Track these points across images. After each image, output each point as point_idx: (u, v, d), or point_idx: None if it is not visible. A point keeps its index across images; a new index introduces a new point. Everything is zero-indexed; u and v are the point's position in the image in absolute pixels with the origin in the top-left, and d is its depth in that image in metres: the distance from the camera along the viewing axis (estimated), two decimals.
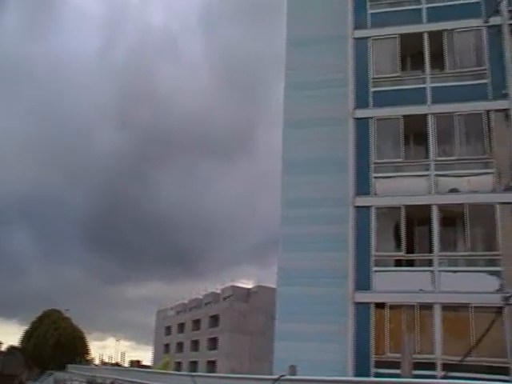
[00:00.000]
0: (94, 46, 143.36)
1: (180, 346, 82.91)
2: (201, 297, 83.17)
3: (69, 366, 49.35)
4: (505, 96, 20.59)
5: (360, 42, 22.77)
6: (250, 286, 77.40)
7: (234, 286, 76.73)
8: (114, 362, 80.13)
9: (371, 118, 21.58)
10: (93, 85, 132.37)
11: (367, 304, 19.63)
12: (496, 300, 18.56)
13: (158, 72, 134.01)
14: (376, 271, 20.00)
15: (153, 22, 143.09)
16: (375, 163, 21.07)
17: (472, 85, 21.15)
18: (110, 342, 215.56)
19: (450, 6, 22.21)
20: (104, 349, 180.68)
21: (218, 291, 79.52)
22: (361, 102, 21.99)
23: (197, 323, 79.65)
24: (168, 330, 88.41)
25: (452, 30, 21.68)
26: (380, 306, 19.52)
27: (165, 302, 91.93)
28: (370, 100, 21.97)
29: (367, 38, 22.75)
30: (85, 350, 68.10)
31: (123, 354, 78.57)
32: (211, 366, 70.55)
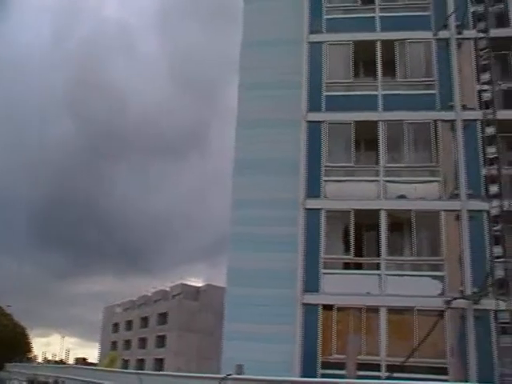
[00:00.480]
0: (47, 36, 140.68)
1: (127, 343, 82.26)
2: (150, 294, 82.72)
3: (7, 364, 48.12)
4: (451, 107, 21.29)
5: (315, 47, 23.06)
6: (199, 285, 77.47)
7: (183, 284, 76.57)
8: (58, 359, 78.95)
9: (323, 121, 21.84)
10: (45, 75, 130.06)
11: (315, 306, 19.88)
12: (438, 304, 19.16)
13: (113, 66, 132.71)
14: (325, 273, 20.27)
15: (109, 16, 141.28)
16: (326, 166, 21.35)
17: (421, 94, 21.75)
18: (56, 338, 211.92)
19: (403, 16, 22.81)
20: (48, 346, 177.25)
21: (168, 289, 79.23)
22: (314, 105, 22.23)
23: (145, 320, 79.15)
24: (115, 327, 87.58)
25: (404, 40, 22.22)
26: (328, 307, 19.79)
27: (114, 298, 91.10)
28: (323, 104, 22.24)
29: (322, 42, 23.05)
30: (27, 347, 66.74)
31: (68, 352, 77.33)
32: (159, 363, 70.23)
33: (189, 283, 77.56)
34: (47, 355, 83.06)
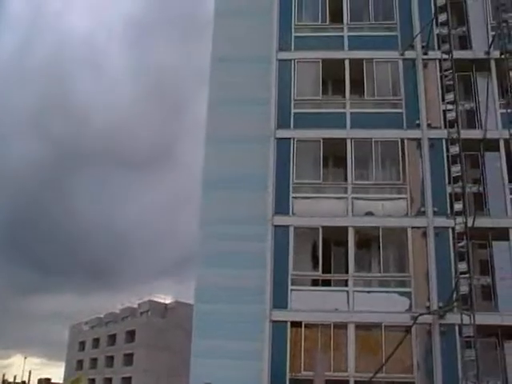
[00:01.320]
0: (10, 50, 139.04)
1: (94, 361, 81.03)
2: (117, 311, 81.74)
3: None
4: (417, 126, 21.70)
5: (283, 64, 23.21)
6: (167, 301, 76.83)
7: (151, 301, 75.88)
8: (20, 381, 77.09)
9: (292, 138, 21.97)
10: (7, 92, 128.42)
11: (284, 322, 19.86)
12: (406, 319, 19.38)
13: (79, 81, 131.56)
14: (293, 290, 20.28)
15: (75, 30, 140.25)
16: (295, 183, 21.45)
17: (388, 113, 22.13)
18: (17, 359, 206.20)
19: (371, 36, 23.21)
20: (9, 367, 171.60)
21: (135, 306, 78.40)
22: (282, 122, 22.35)
23: (112, 338, 78.15)
24: (82, 345, 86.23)
25: (371, 59, 22.56)
26: (296, 324, 19.80)
27: (80, 316, 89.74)
28: (292, 121, 22.37)
29: (291, 60, 23.21)
30: None
31: (30, 373, 75.44)
32: (126, 382, 69.36)
33: (157, 300, 76.91)
34: (7, 377, 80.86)
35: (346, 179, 21.39)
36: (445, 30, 21.90)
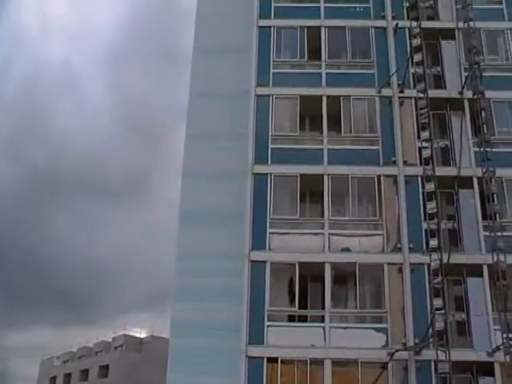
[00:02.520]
0: None
1: None
2: (91, 345, 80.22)
3: None
4: (394, 163, 22.01)
5: (261, 100, 23.45)
6: (142, 336, 75.61)
7: (126, 335, 74.65)
8: None
9: (269, 174, 22.10)
10: None
11: (260, 358, 19.69)
12: (382, 356, 19.34)
13: (56, 108, 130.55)
14: (269, 326, 20.17)
15: (53, 57, 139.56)
16: (271, 219, 21.49)
17: (365, 150, 22.43)
18: None
19: (348, 74, 23.67)
20: None
21: (110, 340, 77.07)
22: (260, 157, 22.48)
23: (85, 373, 76.49)
24: (53, 380, 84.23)
25: (348, 96, 22.93)
26: (272, 360, 19.65)
27: (52, 349, 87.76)
28: (269, 156, 22.52)
29: (269, 95, 23.46)
30: None
31: None
32: None
33: (132, 334, 75.66)
34: None
35: (322, 215, 21.51)
36: (420, 70, 22.37)
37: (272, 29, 24.66)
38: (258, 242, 21.18)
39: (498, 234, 20.04)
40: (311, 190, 22.14)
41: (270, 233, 21.34)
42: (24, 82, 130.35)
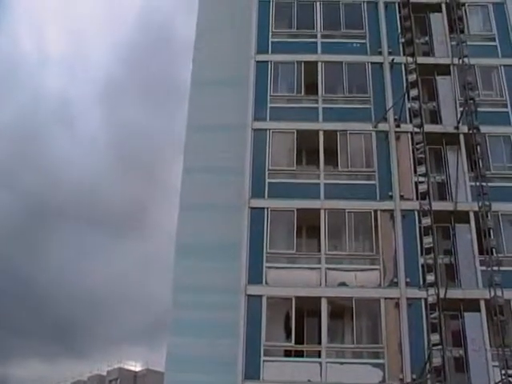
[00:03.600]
0: None
1: None
2: (85, 379, 79.20)
3: None
4: (390, 197, 22.07)
5: (258, 134, 23.55)
6: (137, 369, 74.77)
7: (120, 368, 73.76)
8: None
9: (266, 208, 22.09)
10: None
11: None
12: None
13: (51, 138, 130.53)
14: (265, 361, 19.98)
15: (49, 86, 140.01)
16: (268, 253, 21.42)
17: (362, 184, 22.49)
18: None
19: (345, 108, 23.84)
20: None
21: (104, 373, 76.14)
22: (256, 191, 22.48)
23: None
24: None
25: (345, 131, 23.09)
26: None
27: (45, 383, 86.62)
28: (266, 190, 22.52)
29: (266, 129, 23.57)
30: None
31: None
32: None
33: (127, 367, 74.84)
34: None
35: (319, 249, 21.46)
36: (416, 105, 22.56)
37: (269, 63, 24.93)
38: (255, 276, 21.09)
39: (495, 268, 19.99)
40: (308, 225, 22.12)
41: (267, 267, 21.25)
42: (19, 111, 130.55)
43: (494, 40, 25.34)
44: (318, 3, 26.06)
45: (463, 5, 25.41)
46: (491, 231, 20.75)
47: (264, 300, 20.67)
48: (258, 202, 22.25)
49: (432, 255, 20.36)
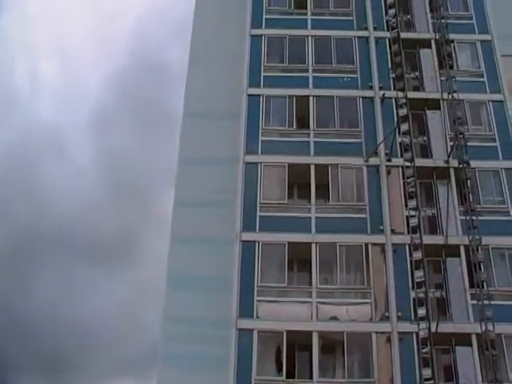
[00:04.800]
0: None
1: None
2: None
3: None
4: (381, 231, 22.13)
5: (250, 167, 23.61)
6: None
7: None
8: None
9: (257, 241, 22.05)
10: None
11: None
12: None
13: (41, 167, 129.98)
14: None
15: (41, 116, 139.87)
16: (259, 286, 21.33)
17: (353, 218, 22.52)
18: None
19: (336, 142, 24.00)
20: None
21: None
22: (248, 225, 22.46)
23: None
24: None
25: (336, 165, 23.22)
26: None
27: None
28: (257, 224, 22.51)
29: (257, 163, 23.67)
30: None
31: None
32: None
33: None
34: None
35: (310, 283, 21.41)
36: (407, 139, 22.87)
37: (261, 97, 25.13)
38: (246, 310, 20.97)
39: (486, 302, 20.05)
40: (299, 258, 22.09)
41: (258, 300, 21.15)
42: (11, 141, 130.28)
43: (482, 76, 25.72)
44: (309, 38, 26.43)
45: (452, 41, 25.87)
46: (482, 265, 20.88)
47: (255, 334, 20.52)
48: (249, 236, 22.23)
49: (423, 289, 20.42)
